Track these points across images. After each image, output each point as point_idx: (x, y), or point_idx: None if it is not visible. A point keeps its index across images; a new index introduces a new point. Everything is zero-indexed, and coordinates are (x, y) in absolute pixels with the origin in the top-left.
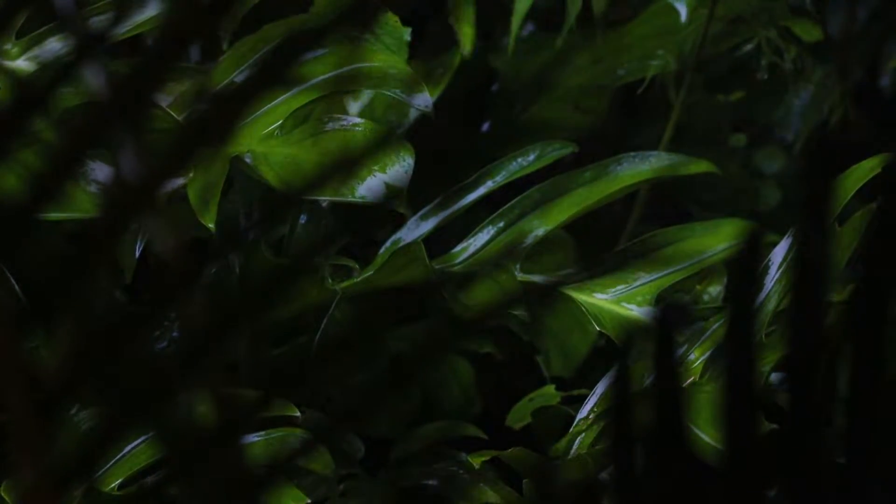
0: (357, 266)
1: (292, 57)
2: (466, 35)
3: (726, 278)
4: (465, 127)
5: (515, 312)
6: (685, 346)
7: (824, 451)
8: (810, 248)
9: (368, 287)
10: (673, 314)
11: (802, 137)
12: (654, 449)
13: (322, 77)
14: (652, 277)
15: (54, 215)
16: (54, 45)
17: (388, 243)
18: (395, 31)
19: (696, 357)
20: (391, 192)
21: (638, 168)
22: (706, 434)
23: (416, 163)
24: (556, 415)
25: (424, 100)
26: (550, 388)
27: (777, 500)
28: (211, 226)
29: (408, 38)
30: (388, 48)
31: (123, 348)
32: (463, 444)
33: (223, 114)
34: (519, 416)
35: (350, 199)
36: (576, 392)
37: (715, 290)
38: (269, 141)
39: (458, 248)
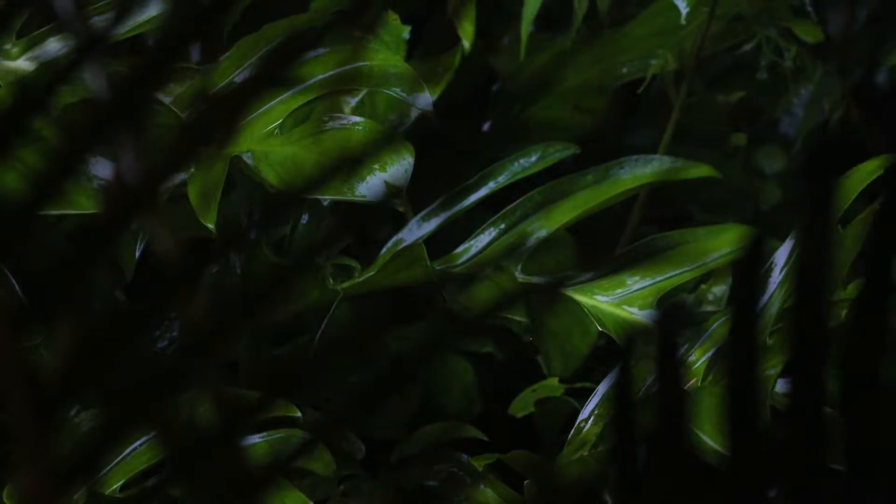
0: (358, 266)
1: (292, 56)
2: (467, 32)
3: (730, 279)
4: (465, 127)
5: (516, 317)
6: (687, 348)
7: (825, 454)
8: (813, 251)
9: (369, 287)
10: (674, 316)
11: (802, 137)
12: (655, 450)
13: (322, 76)
14: (653, 280)
15: (55, 212)
16: (54, 45)
17: (389, 244)
18: (394, 29)
19: (698, 358)
20: (391, 190)
21: (639, 171)
22: (708, 436)
23: (417, 163)
24: (559, 407)
25: (425, 100)
26: (554, 381)
27: (777, 501)
28: (211, 226)
29: (406, 36)
30: (386, 46)
31: (123, 348)
32: (463, 444)
33: (223, 114)
34: (522, 406)
35: (350, 197)
36: (578, 385)
37: (719, 290)
38: (269, 140)
39: (460, 249)
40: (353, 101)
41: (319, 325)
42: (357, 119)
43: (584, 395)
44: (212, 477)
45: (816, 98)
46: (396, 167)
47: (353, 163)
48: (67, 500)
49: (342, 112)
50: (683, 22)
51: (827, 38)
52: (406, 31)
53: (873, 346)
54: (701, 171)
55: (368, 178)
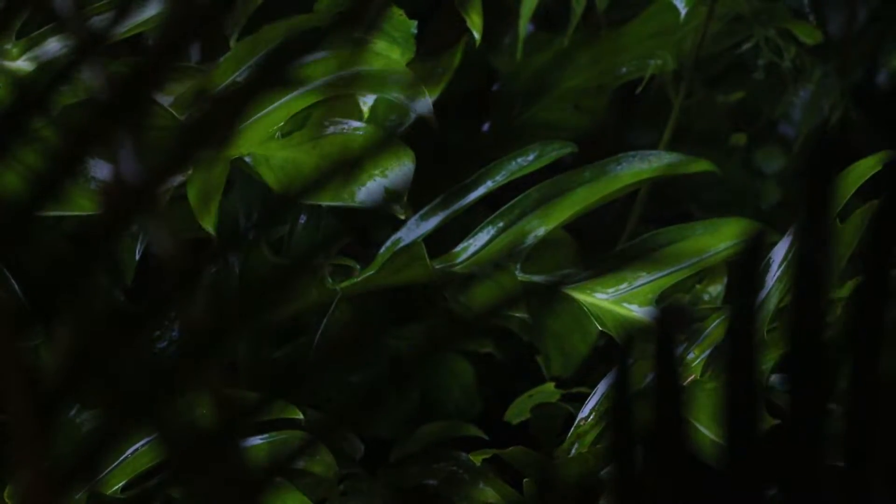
0: (357, 266)
1: (292, 59)
2: (475, 23)
3: (727, 278)
4: (465, 127)
5: (516, 314)
6: (686, 345)
7: (824, 450)
8: (811, 246)
9: (369, 287)
10: (673, 314)
11: (802, 136)
12: (654, 448)
13: (322, 80)
14: (653, 277)
15: (54, 212)
16: (54, 45)
17: (388, 243)
18: (401, 24)
19: (697, 355)
20: (391, 196)
21: (638, 168)
22: (707, 432)
23: (417, 163)
24: (555, 412)
25: (425, 105)
26: (550, 386)
27: (777, 499)
28: (210, 228)
29: (414, 31)
30: (395, 42)
31: (123, 348)
32: (463, 443)
33: (223, 115)
34: (518, 411)
35: (349, 203)
36: (575, 390)
37: (715, 289)
38: (269, 143)
39: (459, 248)
40: (370, 101)
41: (319, 326)
42: (357, 124)
43: (581, 399)
44: (212, 478)
45: (816, 98)
46: (396, 173)
47: (351, 167)
48: (68, 501)
49: (355, 114)
50: (682, 20)
51: (827, 38)
52: (414, 27)
53: (872, 341)
54: (700, 165)
55: (368, 183)
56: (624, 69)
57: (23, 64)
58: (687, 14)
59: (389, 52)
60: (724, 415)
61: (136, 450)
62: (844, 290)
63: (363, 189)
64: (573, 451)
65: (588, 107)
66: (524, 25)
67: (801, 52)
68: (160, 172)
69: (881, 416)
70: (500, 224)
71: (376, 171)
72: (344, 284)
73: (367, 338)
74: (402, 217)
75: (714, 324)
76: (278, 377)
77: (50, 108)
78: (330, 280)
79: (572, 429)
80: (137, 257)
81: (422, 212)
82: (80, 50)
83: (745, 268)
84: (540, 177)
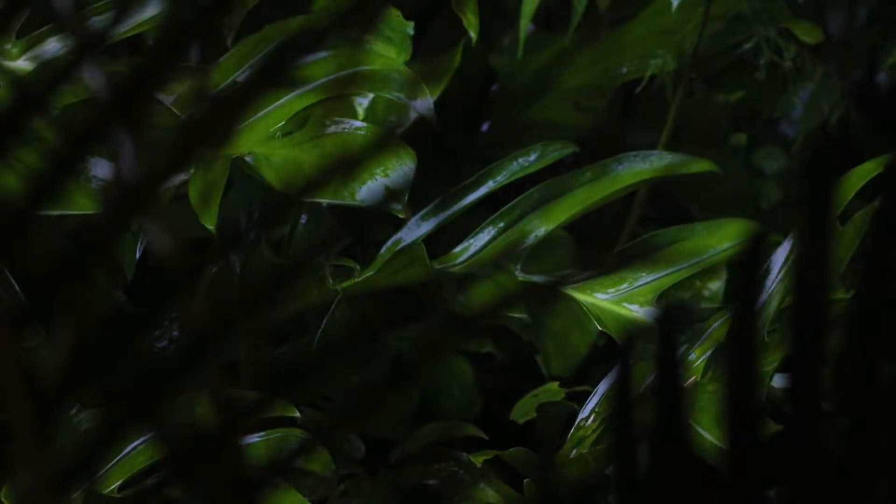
0: (357, 266)
1: (293, 58)
2: (472, 23)
3: (726, 274)
4: (465, 127)
5: (515, 315)
6: (686, 346)
7: (826, 452)
8: (811, 248)
9: (369, 287)
10: (675, 314)
11: (802, 136)
12: (655, 449)
13: (323, 79)
14: (653, 277)
15: (55, 212)
16: (54, 45)
17: (388, 243)
18: (398, 25)
19: (698, 356)
20: (392, 195)
21: (638, 168)
22: (708, 434)
23: (417, 163)
24: (560, 410)
25: (426, 104)
26: (554, 385)
27: (778, 501)
28: (211, 227)
29: (411, 31)
30: (391, 43)
31: (123, 348)
32: (463, 444)
33: (223, 115)
34: (523, 411)
35: (350, 202)
36: (579, 388)
37: (715, 285)
38: (269, 143)
39: (459, 248)
40: (365, 102)
41: (319, 326)
42: (358, 123)
43: (585, 397)
44: (211, 477)
45: (816, 98)
46: (397, 172)
47: (352, 166)
48: (67, 500)
49: (352, 114)
50: (676, 15)
51: (827, 38)
52: (410, 27)
53: (872, 344)
54: (701, 166)
55: (369, 182)
56: (624, 69)
57: (23, 64)
58: (687, 13)
59: (386, 52)
60: (725, 417)
61: (133, 448)
62: (845, 292)
63: (364, 187)
64: (573, 452)
65: (588, 106)
66: (525, 25)
67: (802, 51)
68: (160, 171)
69: (882, 417)
70: (501, 224)
71: (377, 170)
72: (344, 285)
73: (367, 338)
74: (403, 216)
75: (715, 324)
76: (278, 376)
77: (50, 108)
78: (330, 280)
79: (572, 430)
80: (137, 257)
81: (422, 212)
82: (80, 50)
83: (746, 268)
84: (540, 177)
